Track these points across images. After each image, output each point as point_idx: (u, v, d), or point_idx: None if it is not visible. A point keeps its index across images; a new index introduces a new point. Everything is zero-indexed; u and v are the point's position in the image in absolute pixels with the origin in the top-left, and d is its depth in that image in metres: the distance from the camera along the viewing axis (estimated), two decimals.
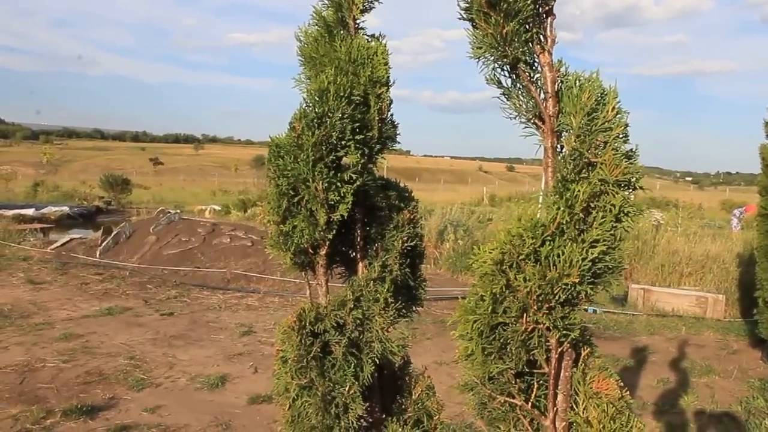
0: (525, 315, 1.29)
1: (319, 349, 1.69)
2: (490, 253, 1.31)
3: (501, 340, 1.34)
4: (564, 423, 1.41)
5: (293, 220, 1.68)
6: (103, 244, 15.04)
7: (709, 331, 10.65)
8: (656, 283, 12.70)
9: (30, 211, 22.79)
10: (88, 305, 10.68)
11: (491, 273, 1.30)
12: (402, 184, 1.89)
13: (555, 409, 1.42)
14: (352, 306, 1.71)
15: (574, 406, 1.40)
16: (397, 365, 1.96)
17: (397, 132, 1.79)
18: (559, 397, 1.41)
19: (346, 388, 1.68)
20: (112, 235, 15.33)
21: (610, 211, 1.24)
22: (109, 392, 6.77)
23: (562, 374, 1.40)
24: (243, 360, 8.16)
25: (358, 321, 1.72)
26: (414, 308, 1.90)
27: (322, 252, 1.75)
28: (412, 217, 1.83)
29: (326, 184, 1.63)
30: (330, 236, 1.70)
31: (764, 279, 8.65)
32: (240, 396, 6.86)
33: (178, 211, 18.17)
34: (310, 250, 1.74)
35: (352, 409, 1.69)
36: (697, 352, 9.39)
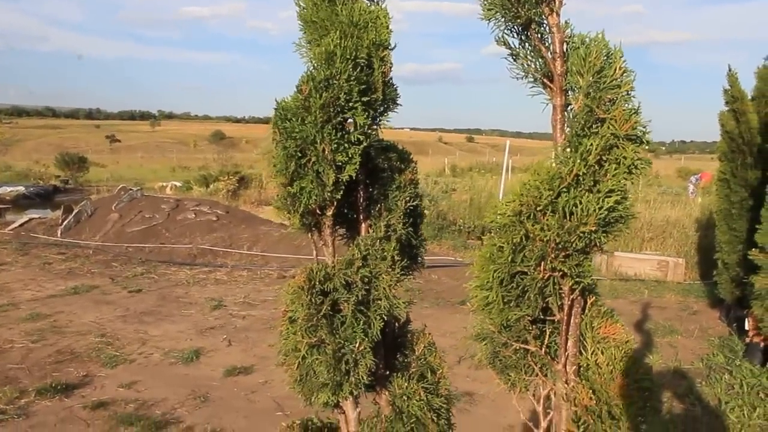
0: (543, 263, 1.35)
1: (329, 308, 1.72)
2: (507, 205, 1.36)
3: (520, 288, 1.40)
4: (574, 367, 1.48)
5: (301, 181, 1.71)
6: (64, 223, 14.76)
7: (671, 293, 10.98)
8: (619, 249, 13.00)
9: None
10: (53, 285, 10.51)
11: (510, 224, 1.35)
12: (401, 147, 1.92)
13: (566, 354, 1.49)
14: (360, 264, 1.75)
15: (583, 351, 1.47)
16: (397, 324, 2.02)
17: (399, 95, 1.82)
18: (570, 343, 1.48)
19: (356, 345, 1.73)
20: (73, 213, 15.05)
21: (622, 163, 1.29)
22: (82, 370, 6.72)
23: (572, 321, 1.47)
24: (216, 333, 8.16)
25: (366, 279, 1.76)
26: (416, 267, 1.95)
27: (329, 212, 1.78)
28: (413, 177, 1.87)
29: (334, 146, 1.66)
30: (338, 197, 1.73)
31: (723, 241, 8.92)
32: (216, 369, 6.87)
33: (140, 188, 17.88)
34: (318, 211, 1.77)
35: (362, 365, 1.74)
36: (659, 314, 9.68)
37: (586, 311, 1.49)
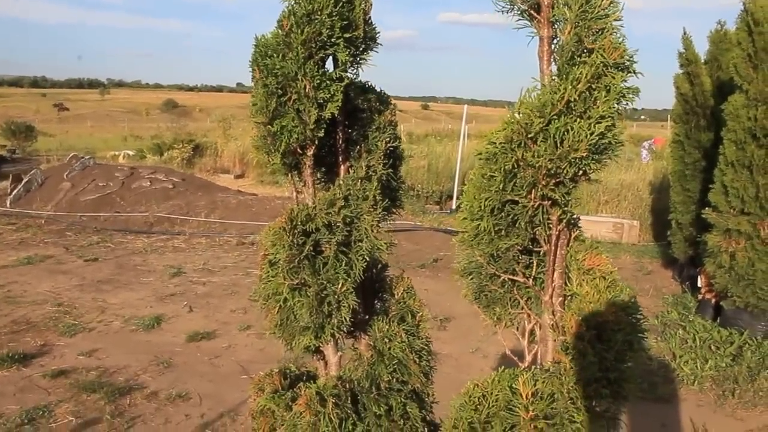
0: (534, 191, 1.35)
1: (311, 248, 1.71)
2: (498, 133, 1.35)
3: (510, 217, 1.40)
4: (560, 298, 1.50)
5: (282, 120, 1.67)
6: (14, 192, 14.33)
7: (626, 254, 11.24)
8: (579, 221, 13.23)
9: None
10: (4, 255, 10.22)
11: (502, 152, 1.35)
12: (379, 88, 1.90)
13: (553, 285, 1.50)
14: (341, 205, 1.73)
15: (568, 283, 1.49)
16: (375, 269, 2.01)
17: (378, 34, 1.79)
18: (556, 274, 1.50)
19: (339, 286, 1.72)
20: (23, 183, 14.62)
21: (612, 90, 1.30)
22: (40, 339, 6.59)
23: (558, 253, 1.49)
24: (176, 300, 8.07)
25: (348, 219, 1.74)
26: (395, 209, 1.94)
27: (310, 152, 1.75)
28: (392, 119, 1.85)
29: (316, 82, 1.63)
30: (319, 135, 1.70)
31: (677, 202, 9.15)
32: (178, 335, 6.81)
33: (91, 157, 17.43)
34: (298, 150, 1.74)
35: (344, 306, 1.73)
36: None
37: (571, 243, 1.51)
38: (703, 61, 8.95)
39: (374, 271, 2.01)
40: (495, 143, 1.36)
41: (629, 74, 1.34)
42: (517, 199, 1.38)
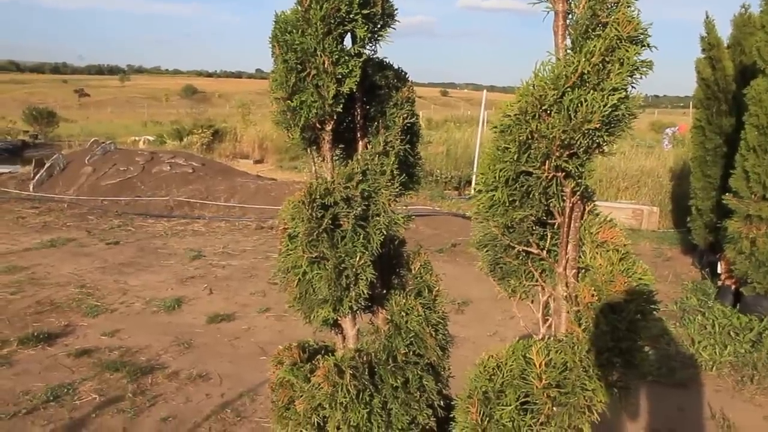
0: (547, 162, 1.37)
1: (329, 222, 1.74)
2: (513, 105, 1.37)
3: (524, 188, 1.42)
4: (574, 270, 1.52)
5: (301, 95, 1.70)
6: (37, 177, 14.53)
7: (645, 241, 11.17)
8: (594, 197, 13.16)
9: None
10: (29, 238, 10.39)
11: (516, 123, 1.37)
12: (396, 66, 1.92)
13: (567, 257, 1.52)
14: (360, 179, 1.76)
15: (582, 256, 1.51)
16: (393, 245, 2.04)
17: (396, 11, 1.81)
18: (569, 246, 1.52)
19: (356, 259, 1.75)
20: (46, 167, 14.80)
21: (625, 63, 1.31)
22: (63, 320, 6.71)
23: (572, 225, 1.50)
24: (196, 283, 8.17)
25: (366, 194, 1.77)
26: (413, 185, 1.97)
27: (329, 127, 1.78)
28: (409, 96, 1.87)
29: (335, 58, 1.66)
30: (338, 110, 1.73)
31: (698, 188, 9.07)
32: (198, 316, 6.90)
33: (112, 142, 17.59)
34: (318, 125, 1.77)
35: (362, 279, 1.77)
36: None
37: (585, 216, 1.53)
38: (725, 45, 8.83)
39: (392, 246, 2.03)
40: (510, 115, 1.38)
41: (643, 48, 1.35)
42: (531, 170, 1.40)
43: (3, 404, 4.84)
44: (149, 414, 4.75)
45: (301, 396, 1.81)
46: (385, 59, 1.89)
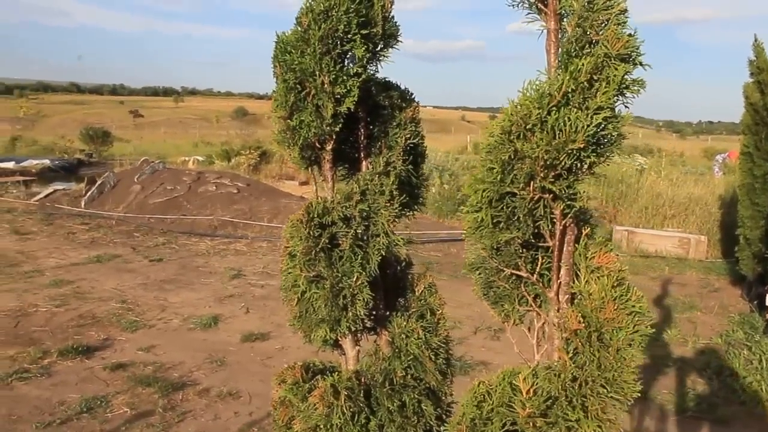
0: (532, 182, 1.34)
1: (327, 241, 1.74)
2: (497, 124, 1.35)
3: (509, 209, 1.39)
4: (567, 296, 1.48)
5: (300, 114, 1.71)
6: (88, 194, 14.95)
7: (692, 270, 10.87)
8: (640, 225, 12.89)
9: (10, 164, 22.51)
10: (77, 253, 10.68)
11: (499, 143, 1.34)
12: (403, 87, 1.92)
13: (559, 281, 1.48)
14: (358, 198, 1.76)
15: (577, 281, 1.46)
16: (399, 267, 2.02)
17: (399, 32, 1.81)
18: (562, 271, 1.47)
19: (354, 279, 1.74)
20: (97, 185, 15.23)
21: (612, 81, 1.28)
22: (103, 334, 6.85)
23: (565, 249, 1.46)
24: (234, 301, 8.25)
25: (365, 214, 1.76)
26: (417, 206, 1.95)
27: (329, 147, 1.79)
28: (414, 116, 1.87)
29: (333, 77, 1.67)
30: (336, 129, 1.73)
31: (746, 217, 8.81)
32: (233, 335, 6.96)
33: (161, 161, 18.03)
34: (317, 145, 1.78)
35: (359, 300, 1.76)
36: (679, 291, 9.60)
37: (581, 241, 1.49)
38: None
39: (398, 268, 2.02)
40: (494, 135, 1.35)
41: (634, 66, 1.32)
42: (515, 191, 1.37)
43: (39, 413, 4.96)
44: (177, 429, 4.79)
45: (299, 416, 1.80)
46: (388, 79, 1.89)
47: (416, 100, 1.91)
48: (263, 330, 7.12)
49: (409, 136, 1.82)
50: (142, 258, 10.55)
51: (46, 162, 24.36)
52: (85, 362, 6.04)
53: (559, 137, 1.28)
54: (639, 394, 1.35)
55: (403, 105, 1.86)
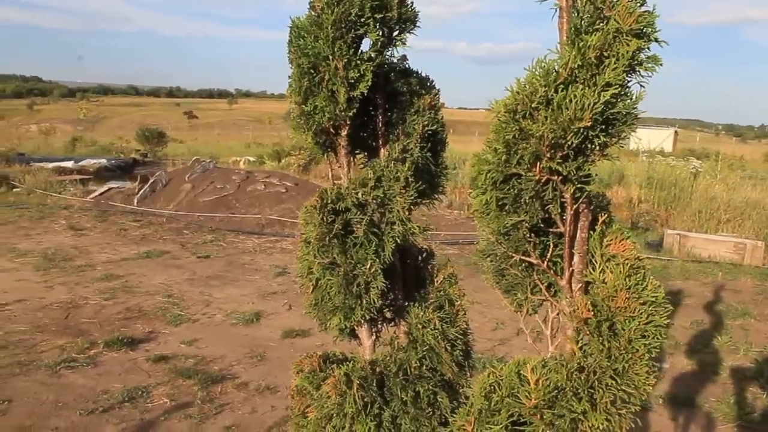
0: (538, 163, 1.29)
1: (340, 227, 1.72)
2: (501, 103, 1.31)
3: (515, 191, 1.35)
4: (580, 285, 1.43)
5: (314, 99, 1.70)
6: (140, 192, 15.31)
7: (747, 276, 10.50)
8: (693, 230, 12.53)
9: (69, 164, 23.19)
10: (127, 249, 10.93)
11: (504, 122, 1.30)
12: (424, 74, 1.89)
13: (571, 269, 1.43)
14: (373, 185, 1.73)
15: (591, 270, 1.41)
16: (420, 257, 1.99)
17: (417, 16, 1.78)
18: (576, 258, 1.42)
19: (368, 266, 1.72)
20: (149, 183, 15.58)
21: (622, 56, 1.22)
22: (148, 327, 6.99)
23: (578, 235, 1.41)
24: (277, 298, 8.32)
25: (379, 200, 1.74)
26: (436, 195, 1.92)
27: (344, 132, 1.77)
28: (433, 102, 1.83)
29: (346, 62, 1.65)
30: (350, 114, 1.72)
31: None
32: (275, 330, 7.02)
33: (212, 160, 18.34)
34: (332, 130, 1.76)
35: (373, 287, 1.73)
36: (733, 297, 9.29)
37: (597, 228, 1.43)
38: None
39: (419, 259, 1.99)
40: (499, 115, 1.31)
41: (648, 42, 1.26)
42: (520, 172, 1.32)
43: (83, 401, 5.09)
44: (214, 421, 4.85)
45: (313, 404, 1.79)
46: (410, 67, 1.86)
47: (437, 88, 1.88)
48: (304, 327, 7.15)
49: (427, 123, 1.79)
50: (190, 254, 10.74)
51: (103, 161, 25.02)
52: (129, 354, 6.17)
53: (564, 115, 1.23)
54: (653, 391, 1.29)
55: (422, 92, 1.83)
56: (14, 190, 16.40)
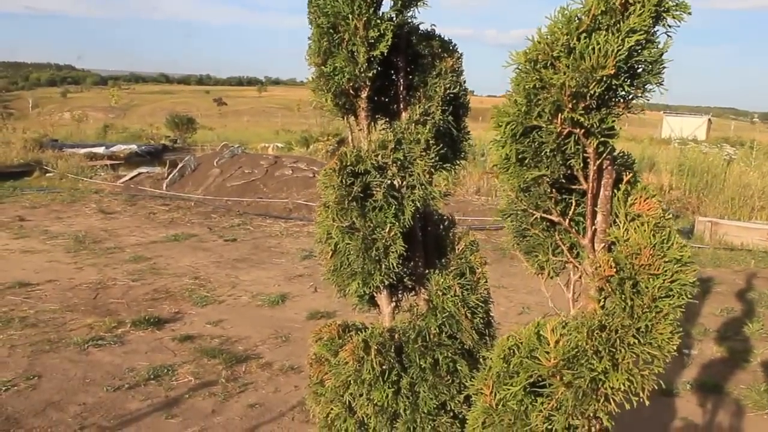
0: (559, 115, 1.25)
1: (360, 190, 1.70)
2: (519, 55, 1.27)
3: (536, 144, 1.31)
4: (603, 244, 1.38)
5: (333, 60, 1.68)
6: (169, 177, 15.44)
7: None
8: (725, 217, 12.29)
9: (100, 149, 23.47)
10: (156, 232, 11.05)
11: (524, 71, 1.26)
12: (446, 37, 1.85)
13: (593, 228, 1.39)
14: (393, 147, 1.71)
15: (615, 229, 1.37)
16: (442, 226, 1.97)
17: None
18: (599, 217, 1.38)
19: (387, 230, 1.70)
20: (178, 168, 15.71)
21: (648, 1, 1.17)
22: (175, 307, 7.06)
23: (601, 193, 1.37)
24: (303, 281, 8.35)
25: (399, 163, 1.71)
26: (458, 161, 1.88)
27: (363, 94, 1.74)
28: (455, 66, 1.80)
29: (366, 21, 1.62)
30: (370, 75, 1.69)
31: None
32: (300, 312, 7.04)
33: (240, 146, 18.44)
34: (352, 92, 1.74)
35: (392, 251, 1.71)
36: (765, 285, 9.10)
37: (622, 186, 1.38)
38: None
39: (441, 227, 1.96)
40: (519, 65, 1.27)
41: None
42: (541, 124, 1.28)
43: (110, 378, 5.16)
44: (238, 399, 4.88)
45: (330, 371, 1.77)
46: (433, 30, 1.82)
47: (459, 50, 1.84)
48: (329, 309, 7.16)
49: (449, 85, 1.76)
50: (218, 238, 10.81)
51: (134, 147, 25.28)
52: (155, 333, 6.23)
53: (587, 62, 1.18)
54: (675, 352, 1.24)
55: (444, 55, 1.80)
56: (47, 174, 16.65)
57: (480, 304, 1.86)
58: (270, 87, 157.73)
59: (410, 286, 1.91)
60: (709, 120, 46.05)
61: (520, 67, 1.28)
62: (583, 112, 1.24)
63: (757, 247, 11.09)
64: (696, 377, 5.70)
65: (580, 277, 1.49)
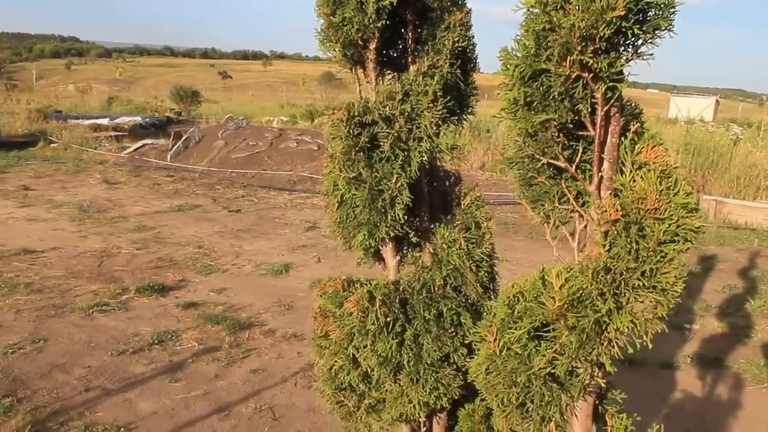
0: (568, 57, 1.25)
1: (366, 141, 1.70)
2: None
3: (544, 87, 1.31)
4: (609, 191, 1.39)
5: (342, 10, 1.67)
6: (174, 148, 15.45)
7: None
8: (730, 196, 12.26)
9: (105, 121, 23.44)
10: (160, 203, 11.08)
11: (534, 14, 1.26)
12: None
13: (600, 175, 1.39)
14: (400, 98, 1.71)
15: (621, 177, 1.37)
16: (448, 182, 1.97)
17: None
18: (605, 165, 1.38)
19: (393, 181, 1.70)
20: (182, 140, 15.71)
21: None
22: (178, 275, 7.10)
23: (608, 140, 1.37)
24: (307, 251, 8.38)
25: (407, 114, 1.71)
26: (465, 116, 1.88)
27: (372, 46, 1.74)
28: (464, 19, 1.79)
29: None
30: (379, 26, 1.68)
31: None
32: (303, 282, 7.08)
33: (244, 118, 18.40)
34: (360, 43, 1.73)
35: (398, 203, 1.72)
36: None
37: (629, 135, 1.38)
38: None
39: (447, 183, 1.96)
40: (528, 8, 1.26)
41: None
42: (550, 67, 1.28)
43: (114, 342, 5.21)
44: (241, 365, 4.93)
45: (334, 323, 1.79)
46: None
47: (468, 7, 1.83)
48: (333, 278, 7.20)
49: (457, 39, 1.75)
50: (222, 209, 10.84)
51: (138, 119, 25.24)
52: (159, 300, 6.28)
53: (597, 3, 1.18)
54: (678, 298, 1.25)
55: (453, 8, 1.79)
56: (52, 145, 16.66)
57: (485, 258, 1.87)
58: (275, 61, 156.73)
59: (415, 242, 1.92)
60: (717, 101, 45.72)
61: (530, 9, 1.28)
62: (591, 54, 1.23)
63: (761, 226, 11.08)
64: (696, 351, 5.73)
65: (585, 227, 1.49)
